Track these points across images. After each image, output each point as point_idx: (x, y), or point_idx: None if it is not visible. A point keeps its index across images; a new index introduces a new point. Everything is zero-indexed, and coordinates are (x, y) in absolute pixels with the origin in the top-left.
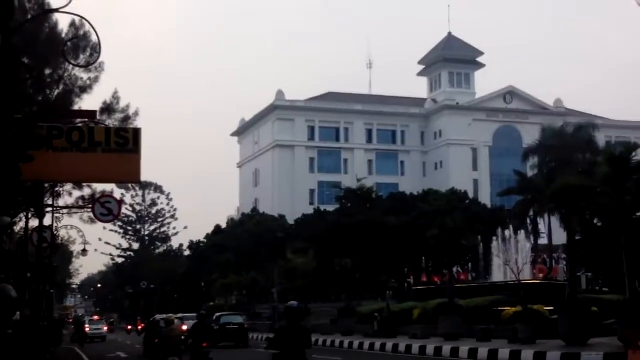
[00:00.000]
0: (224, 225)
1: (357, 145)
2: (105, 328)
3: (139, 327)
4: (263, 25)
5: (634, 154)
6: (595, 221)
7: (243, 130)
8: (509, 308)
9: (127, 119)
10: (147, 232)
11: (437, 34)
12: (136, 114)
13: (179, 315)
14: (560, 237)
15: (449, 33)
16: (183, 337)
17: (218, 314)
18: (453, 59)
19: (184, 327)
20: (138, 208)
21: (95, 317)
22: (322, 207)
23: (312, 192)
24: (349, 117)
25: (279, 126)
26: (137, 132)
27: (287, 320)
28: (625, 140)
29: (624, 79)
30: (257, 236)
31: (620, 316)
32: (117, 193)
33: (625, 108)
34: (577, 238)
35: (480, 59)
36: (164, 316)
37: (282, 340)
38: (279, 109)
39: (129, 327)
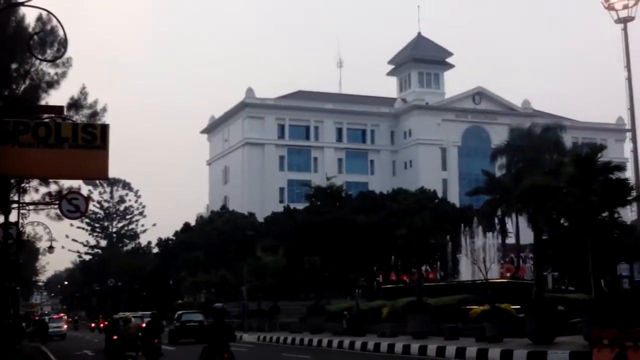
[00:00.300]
0: (193, 222)
1: (327, 144)
2: (65, 326)
3: (101, 325)
4: (233, 22)
5: (599, 155)
6: (561, 221)
7: (213, 128)
8: (476, 307)
9: (94, 114)
10: (114, 229)
11: (407, 34)
12: (104, 109)
13: (139, 313)
14: (527, 236)
15: (419, 33)
16: (140, 334)
17: (179, 312)
18: (422, 59)
19: (143, 325)
20: (106, 205)
21: (55, 316)
22: (292, 205)
23: (281, 190)
24: (319, 116)
25: (248, 124)
26: (104, 128)
27: (214, 318)
28: (592, 142)
29: (590, 81)
30: (227, 234)
31: (586, 315)
32: (85, 189)
33: (591, 110)
34: (543, 238)
35: (449, 60)
36: (122, 315)
37: (210, 335)
38: (249, 106)
39: (93, 325)
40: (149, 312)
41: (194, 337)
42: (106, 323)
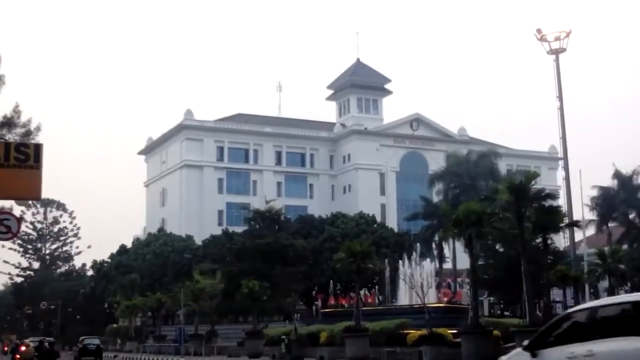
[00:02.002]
0: (129, 245)
1: (266, 167)
2: None
3: (5, 348)
4: (172, 43)
5: (533, 182)
6: (497, 247)
7: (150, 149)
8: (414, 331)
9: (28, 133)
10: (48, 251)
11: (346, 59)
12: (38, 129)
13: (38, 339)
14: (464, 261)
15: (358, 59)
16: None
17: (82, 337)
18: (361, 84)
19: None
20: (39, 226)
21: None
22: (231, 229)
23: (220, 213)
24: (258, 139)
25: (187, 146)
26: (38, 147)
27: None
28: (526, 169)
29: (524, 110)
30: (164, 257)
31: (520, 340)
32: (17, 210)
33: (525, 138)
34: (479, 263)
35: (387, 86)
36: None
37: None
38: (188, 128)
39: (5, 349)
40: (39, 338)
41: (92, 355)
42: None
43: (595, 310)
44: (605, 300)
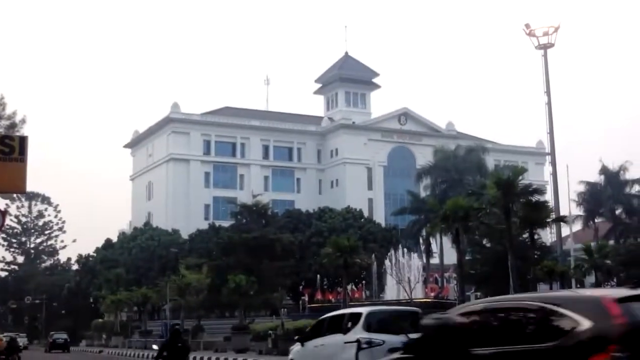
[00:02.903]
0: (115, 239)
1: (254, 161)
2: None
3: None
4: (159, 36)
5: (520, 177)
6: (484, 242)
7: (136, 142)
8: None
9: (13, 126)
10: (32, 245)
11: (334, 53)
12: (23, 121)
13: (13, 334)
14: (451, 256)
15: (346, 53)
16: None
17: (52, 333)
18: (349, 78)
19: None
20: (23, 219)
21: None
22: (217, 223)
23: (207, 207)
24: (245, 133)
25: (173, 139)
26: (23, 140)
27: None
28: (513, 164)
29: (512, 104)
30: (150, 251)
31: None
32: (1, 203)
33: (512, 133)
34: (466, 258)
35: (376, 80)
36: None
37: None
38: (174, 121)
39: None
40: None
41: (61, 348)
42: None
43: (330, 318)
44: (332, 313)
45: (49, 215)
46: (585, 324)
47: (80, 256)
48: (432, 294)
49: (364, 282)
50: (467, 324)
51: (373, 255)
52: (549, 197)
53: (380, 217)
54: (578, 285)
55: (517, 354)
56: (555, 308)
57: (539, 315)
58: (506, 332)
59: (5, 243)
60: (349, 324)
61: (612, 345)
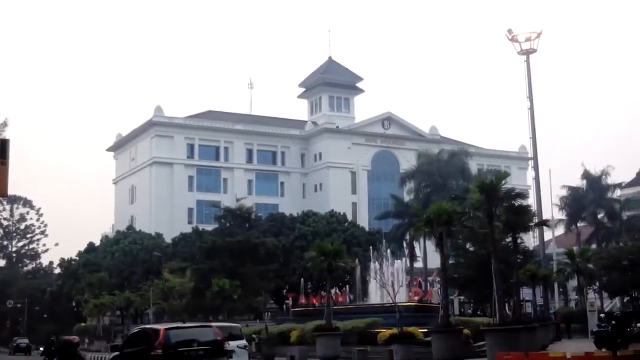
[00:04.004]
0: (97, 242)
1: (237, 165)
2: None
3: None
4: (142, 39)
5: (503, 182)
6: (467, 245)
7: (119, 146)
8: (385, 330)
9: None
10: (14, 249)
11: (318, 57)
12: (4, 124)
13: None
14: (435, 260)
15: (330, 57)
16: None
17: (15, 338)
18: (333, 83)
19: None
20: (5, 223)
21: None
22: (201, 226)
23: (190, 210)
24: (229, 136)
25: (156, 143)
26: (4, 143)
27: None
28: (496, 168)
29: (495, 109)
30: (133, 255)
31: (490, 339)
32: None
33: (495, 137)
34: (450, 262)
35: (359, 85)
36: None
37: None
38: (157, 125)
39: None
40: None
41: (23, 352)
42: None
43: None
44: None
45: (30, 218)
46: None
47: (62, 260)
48: (416, 298)
49: (347, 286)
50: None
51: (357, 259)
52: (531, 201)
53: (364, 221)
54: (561, 290)
55: None
56: None
57: None
58: None
59: None
60: None
61: None
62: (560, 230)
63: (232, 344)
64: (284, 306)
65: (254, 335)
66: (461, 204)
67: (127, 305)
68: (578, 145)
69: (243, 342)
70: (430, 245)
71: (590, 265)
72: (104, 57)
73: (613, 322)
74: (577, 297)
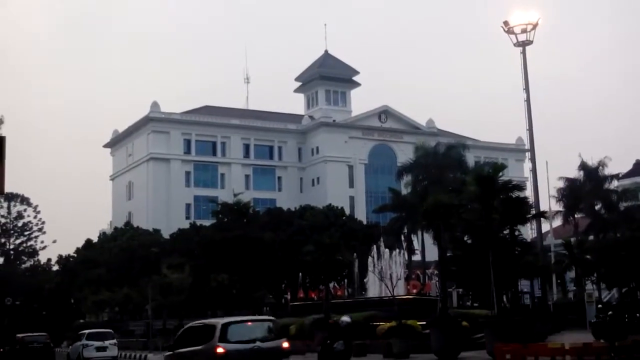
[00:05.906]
0: (95, 239)
1: (234, 160)
2: None
3: None
4: (137, 34)
5: (500, 174)
6: (465, 238)
7: (116, 142)
8: (383, 323)
9: None
10: (12, 246)
11: (314, 51)
12: (0, 121)
13: None
14: (433, 253)
15: (326, 51)
16: None
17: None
18: (329, 76)
19: None
20: (3, 221)
21: None
22: (199, 222)
23: (188, 206)
24: (225, 132)
25: (153, 138)
26: (0, 140)
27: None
28: (493, 161)
29: (492, 101)
30: (131, 251)
31: (489, 331)
32: None
33: (492, 130)
34: (448, 254)
35: (356, 78)
36: None
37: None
38: (154, 121)
39: None
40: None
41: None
42: None
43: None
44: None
45: (28, 216)
46: None
47: (60, 257)
48: (414, 291)
49: (346, 279)
50: None
51: (355, 253)
52: (529, 193)
53: (361, 215)
54: (559, 281)
55: None
56: None
57: None
58: None
59: None
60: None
61: None
62: (557, 222)
63: None
64: (283, 300)
65: None
66: (459, 196)
67: (125, 302)
68: (575, 137)
69: None
70: (428, 238)
71: (588, 257)
72: (100, 53)
73: (610, 312)
74: (575, 288)
